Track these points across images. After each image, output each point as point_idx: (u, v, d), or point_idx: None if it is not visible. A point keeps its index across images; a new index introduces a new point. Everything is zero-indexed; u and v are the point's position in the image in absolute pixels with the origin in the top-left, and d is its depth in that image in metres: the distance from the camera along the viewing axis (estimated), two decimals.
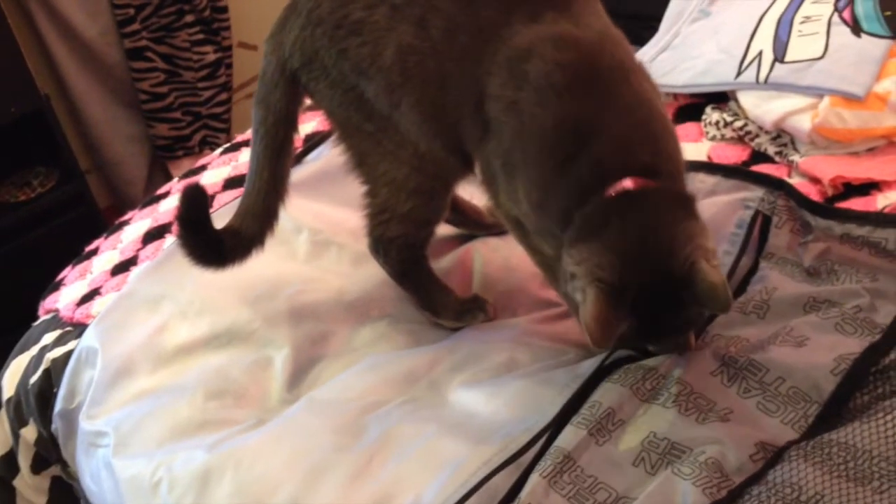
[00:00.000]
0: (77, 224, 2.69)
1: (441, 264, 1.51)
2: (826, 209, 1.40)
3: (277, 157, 1.37)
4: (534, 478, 1.11)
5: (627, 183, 1.10)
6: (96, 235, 1.90)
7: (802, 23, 1.62)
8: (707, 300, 1.08)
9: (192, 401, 1.37)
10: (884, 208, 1.39)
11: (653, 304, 1.10)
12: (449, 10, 1.16)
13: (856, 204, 1.41)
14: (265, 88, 1.35)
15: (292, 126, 1.37)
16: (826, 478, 1.03)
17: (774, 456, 1.09)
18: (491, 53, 1.15)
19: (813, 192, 1.45)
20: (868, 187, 1.44)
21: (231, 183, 1.82)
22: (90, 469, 1.42)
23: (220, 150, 2.01)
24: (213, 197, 1.79)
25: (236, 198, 1.69)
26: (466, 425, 1.23)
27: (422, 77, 1.20)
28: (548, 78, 1.12)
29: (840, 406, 1.13)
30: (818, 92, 1.53)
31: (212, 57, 3.06)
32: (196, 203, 1.32)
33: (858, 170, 1.47)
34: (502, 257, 1.50)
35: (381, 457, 1.22)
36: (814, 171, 1.48)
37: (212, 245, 1.35)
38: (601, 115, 1.13)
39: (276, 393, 1.37)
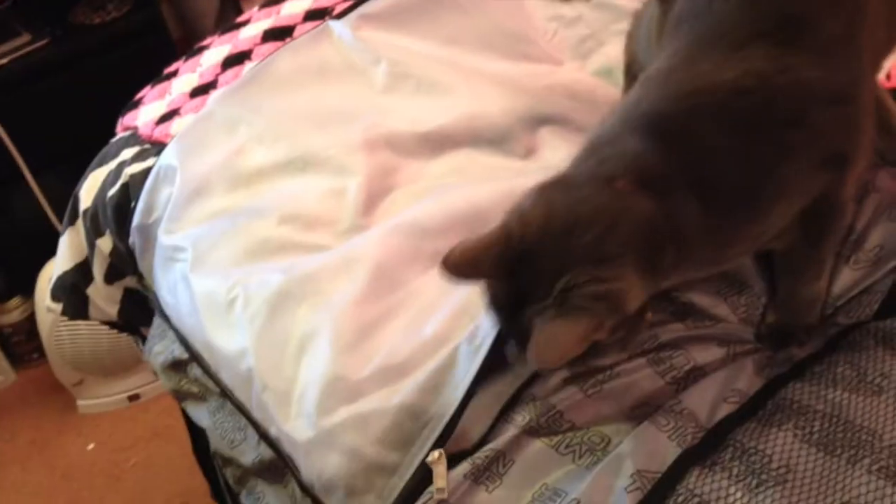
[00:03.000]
0: (149, 51, 2.68)
1: None
2: None
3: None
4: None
5: (620, 184, 0.91)
6: (168, 63, 1.88)
7: None
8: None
9: (267, 223, 1.38)
10: None
11: None
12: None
13: None
14: None
15: None
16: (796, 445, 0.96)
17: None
18: None
19: None
20: None
21: (310, 15, 1.78)
22: (167, 282, 1.46)
23: None
24: (293, 28, 1.77)
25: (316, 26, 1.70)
26: None
27: None
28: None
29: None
30: None
31: None
32: None
33: None
34: None
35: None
36: None
37: None
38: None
39: (348, 220, 1.36)
